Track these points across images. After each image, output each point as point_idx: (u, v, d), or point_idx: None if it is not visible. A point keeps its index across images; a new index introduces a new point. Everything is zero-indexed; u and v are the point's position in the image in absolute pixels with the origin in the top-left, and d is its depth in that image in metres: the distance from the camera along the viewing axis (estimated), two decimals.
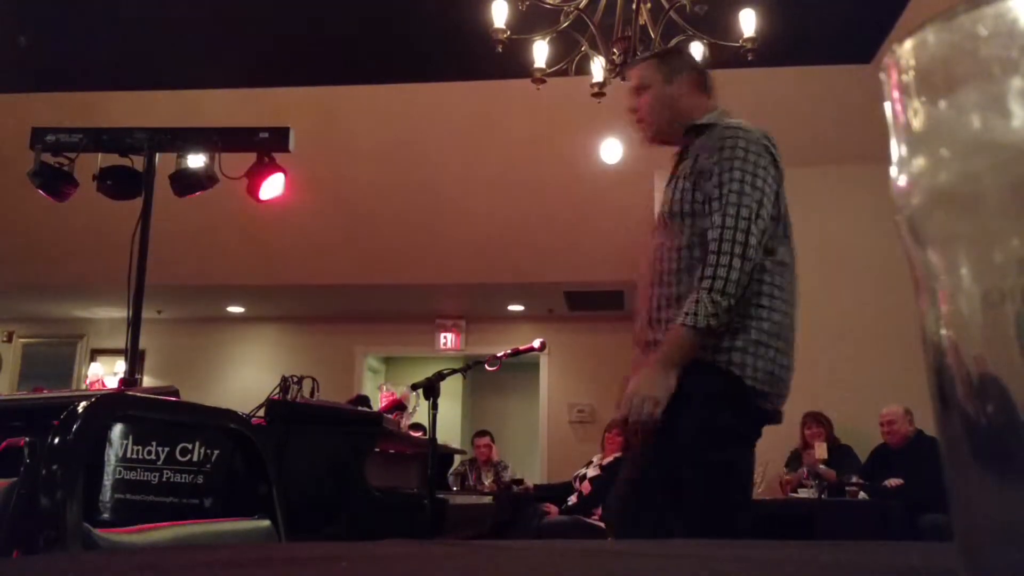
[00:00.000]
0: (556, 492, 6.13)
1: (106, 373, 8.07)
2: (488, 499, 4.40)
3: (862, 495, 4.70)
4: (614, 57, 3.42)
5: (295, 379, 2.90)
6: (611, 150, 6.49)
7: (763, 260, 1.80)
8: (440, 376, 2.94)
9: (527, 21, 3.45)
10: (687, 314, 1.71)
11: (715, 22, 3.54)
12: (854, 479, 4.83)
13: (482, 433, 6.94)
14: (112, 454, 1.32)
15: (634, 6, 3.34)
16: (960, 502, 0.22)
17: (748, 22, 3.35)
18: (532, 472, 7.87)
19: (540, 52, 3.50)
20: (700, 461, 1.73)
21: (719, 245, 1.73)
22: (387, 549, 0.50)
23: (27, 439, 0.78)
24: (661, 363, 1.72)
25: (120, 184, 3.15)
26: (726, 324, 1.73)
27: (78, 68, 6.26)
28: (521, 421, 9.13)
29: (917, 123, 0.23)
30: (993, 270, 0.21)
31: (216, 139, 3.16)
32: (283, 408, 2.81)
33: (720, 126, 1.89)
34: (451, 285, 7.39)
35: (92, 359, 8.68)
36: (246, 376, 8.20)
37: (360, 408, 3.12)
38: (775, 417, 1.83)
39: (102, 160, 3.18)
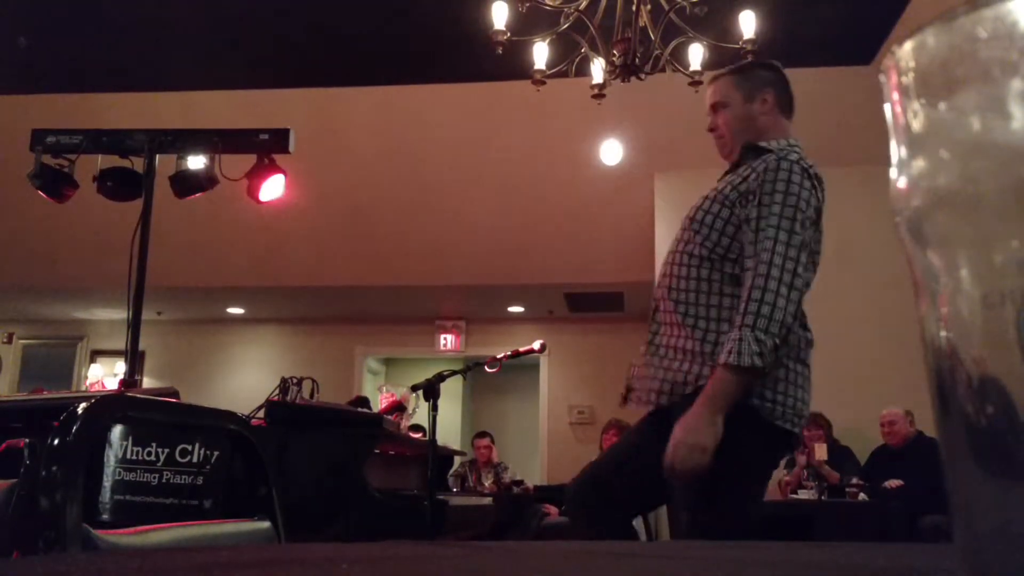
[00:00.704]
0: (556, 493, 6.13)
1: (106, 374, 8.07)
2: (488, 500, 4.40)
3: (862, 496, 4.70)
4: (614, 59, 3.42)
5: (295, 380, 2.90)
6: (611, 151, 6.50)
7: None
8: (440, 377, 2.94)
9: (527, 23, 3.45)
10: (730, 352, 1.63)
11: (715, 24, 3.54)
12: (854, 480, 4.83)
13: (482, 434, 6.94)
14: (112, 455, 1.32)
15: (634, 8, 3.35)
16: (960, 503, 0.22)
17: (748, 24, 3.35)
18: (532, 473, 7.87)
19: (540, 54, 3.50)
20: (733, 498, 1.72)
21: (765, 281, 1.67)
22: (387, 550, 0.50)
23: (27, 440, 0.78)
24: (707, 408, 1.63)
25: (120, 185, 3.15)
26: (772, 365, 1.65)
27: (78, 70, 6.27)
28: (521, 422, 9.12)
29: (917, 125, 0.23)
30: (993, 272, 0.21)
31: (216, 140, 3.16)
32: (283, 409, 2.81)
33: (776, 155, 1.83)
34: (451, 286, 7.39)
35: (92, 360, 8.68)
36: (246, 377, 8.20)
37: (360, 409, 3.12)
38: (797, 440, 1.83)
39: (102, 161, 3.18)
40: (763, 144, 1.90)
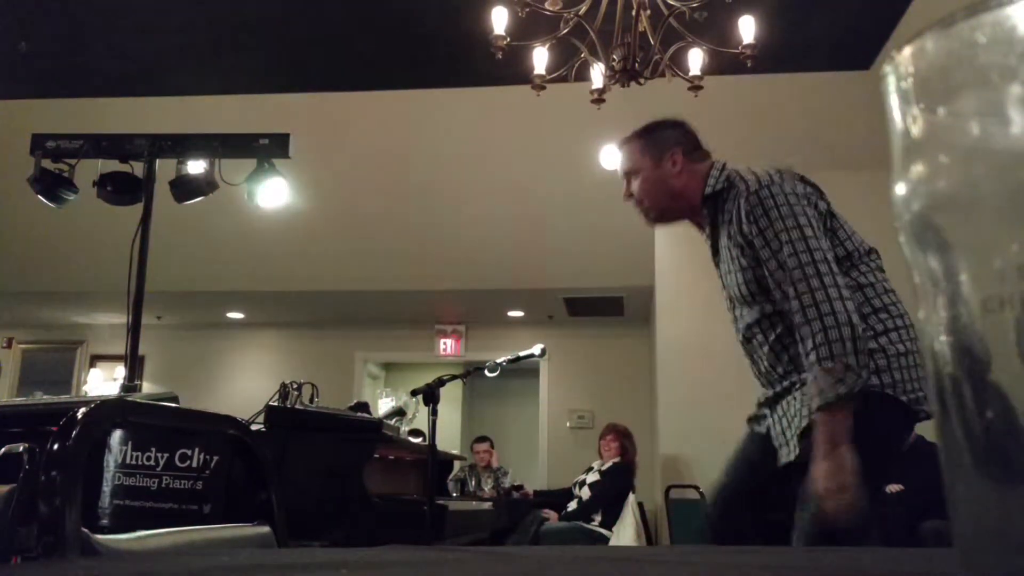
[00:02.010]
0: (556, 498, 6.13)
1: (106, 379, 8.06)
2: (488, 505, 4.39)
3: None
4: (613, 64, 3.42)
5: (295, 385, 2.90)
6: (610, 156, 6.51)
7: (854, 283, 1.76)
8: (440, 382, 2.94)
9: (527, 28, 3.46)
10: (816, 397, 1.65)
11: (714, 29, 3.55)
12: None
13: (482, 439, 6.94)
14: (111, 460, 1.32)
15: (633, 13, 3.35)
16: (960, 508, 0.22)
17: (747, 29, 3.36)
18: (532, 478, 7.86)
19: (540, 59, 3.51)
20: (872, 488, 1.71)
21: (806, 313, 1.68)
22: (386, 555, 0.50)
23: (26, 445, 0.78)
24: (827, 454, 1.62)
25: (120, 190, 3.15)
26: (860, 381, 1.64)
27: (78, 74, 6.28)
28: (521, 427, 9.11)
29: (916, 130, 0.23)
30: (992, 276, 0.21)
31: (216, 145, 3.16)
32: (282, 414, 2.81)
33: (734, 189, 1.84)
34: (451, 291, 7.39)
35: (92, 365, 8.67)
36: (246, 382, 8.19)
37: (359, 414, 3.12)
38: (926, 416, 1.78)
39: (102, 166, 3.19)
40: (710, 191, 1.91)
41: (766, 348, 1.86)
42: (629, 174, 1.99)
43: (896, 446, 1.79)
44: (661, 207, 1.97)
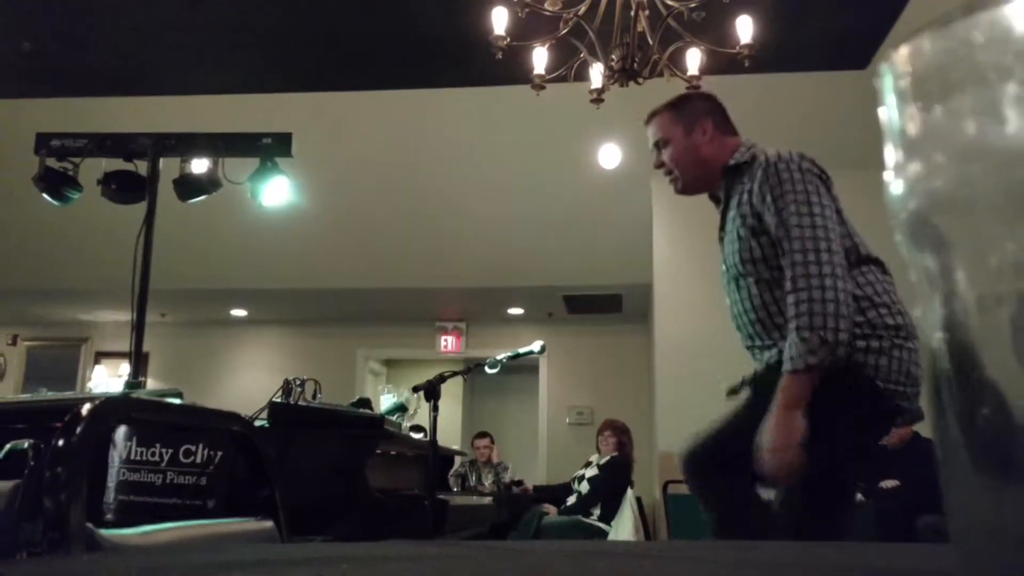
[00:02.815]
0: (555, 493, 6.14)
1: (110, 375, 8.07)
2: (488, 500, 4.39)
3: (858, 497, 4.69)
4: (612, 63, 3.42)
5: (297, 381, 2.90)
6: (609, 155, 6.50)
7: (859, 271, 1.78)
8: (441, 378, 2.94)
9: (526, 28, 3.46)
10: (786, 360, 1.69)
11: (712, 29, 3.55)
12: None
13: (482, 435, 6.96)
14: (116, 456, 1.33)
15: (632, 13, 3.35)
16: (956, 504, 0.22)
17: (745, 29, 3.35)
18: (532, 473, 7.87)
19: (539, 58, 3.50)
20: (843, 465, 1.75)
21: (796, 282, 1.70)
22: (388, 550, 0.51)
23: (31, 441, 0.79)
24: (783, 412, 1.67)
25: (124, 189, 3.15)
26: (832, 357, 1.67)
27: (83, 73, 6.28)
28: (521, 423, 9.12)
29: (912, 129, 0.23)
30: (988, 274, 0.21)
31: (219, 144, 3.16)
32: (285, 410, 2.81)
33: (755, 163, 1.87)
34: (452, 289, 7.40)
35: (96, 362, 8.68)
36: (249, 379, 8.20)
37: (361, 410, 3.12)
38: (917, 415, 1.78)
39: (106, 165, 3.19)
40: (734, 162, 1.94)
41: (754, 315, 1.87)
42: (660, 143, 2.01)
43: (863, 425, 1.77)
44: (691, 175, 2.00)
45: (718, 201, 2.05)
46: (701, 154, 1.97)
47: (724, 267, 1.98)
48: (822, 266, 1.70)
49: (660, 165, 2.03)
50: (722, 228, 1.99)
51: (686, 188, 2.04)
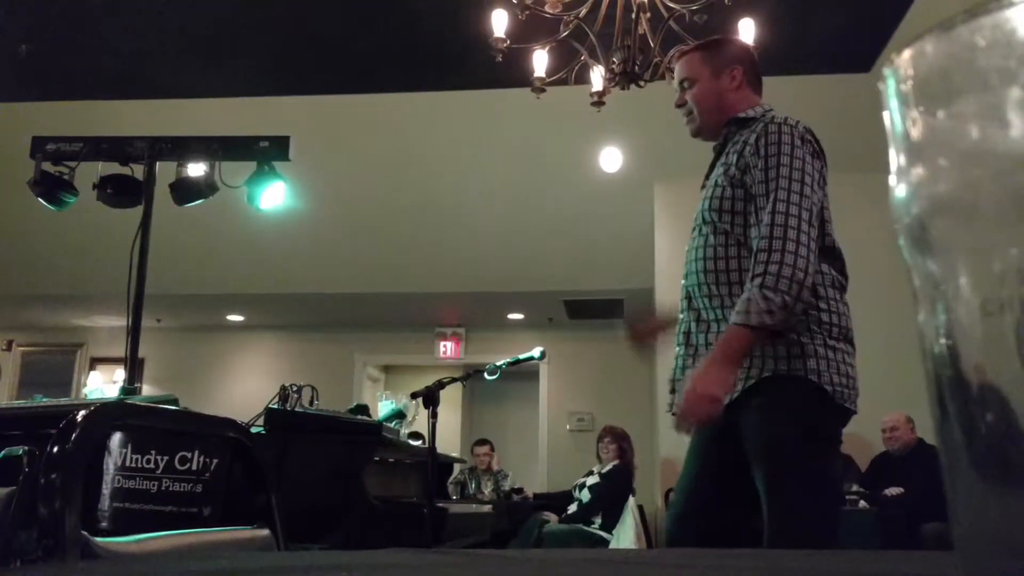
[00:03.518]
0: (556, 501, 6.12)
1: (106, 381, 8.06)
2: (488, 508, 4.39)
3: (863, 504, 4.69)
4: (613, 66, 3.42)
5: (294, 388, 2.89)
6: (610, 159, 6.51)
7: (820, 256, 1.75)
8: (440, 385, 2.94)
9: (527, 30, 3.46)
10: (739, 312, 1.65)
11: (714, 31, 3.54)
12: (854, 488, 4.81)
13: (482, 442, 6.95)
14: (111, 463, 1.32)
15: (633, 16, 3.35)
16: (960, 511, 0.22)
17: (747, 31, 3.36)
18: (532, 481, 7.86)
19: (540, 61, 3.51)
20: (802, 469, 1.70)
21: (769, 242, 1.66)
22: (386, 558, 0.50)
23: (26, 448, 0.78)
24: (718, 361, 1.65)
25: (120, 193, 3.15)
26: (785, 324, 1.65)
27: (79, 77, 6.28)
28: (521, 429, 9.11)
29: (916, 132, 0.23)
30: (992, 279, 0.21)
31: (216, 148, 3.16)
32: (282, 417, 2.81)
33: (762, 121, 1.82)
34: (451, 294, 7.39)
35: (92, 367, 8.67)
36: (245, 385, 8.19)
37: (359, 417, 3.12)
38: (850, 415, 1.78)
39: (102, 169, 3.19)
40: (743, 115, 1.89)
41: (709, 265, 1.82)
42: (685, 82, 1.96)
43: (821, 434, 1.74)
44: (710, 120, 1.94)
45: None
46: (725, 100, 1.92)
47: (699, 210, 1.92)
48: (800, 234, 1.67)
49: (682, 104, 1.97)
50: (707, 178, 1.95)
51: (700, 131, 1.98)
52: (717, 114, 1.93)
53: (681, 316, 1.92)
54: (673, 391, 1.88)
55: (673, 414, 1.77)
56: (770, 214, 1.69)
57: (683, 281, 1.92)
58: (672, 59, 2.01)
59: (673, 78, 2.06)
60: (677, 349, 1.92)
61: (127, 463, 1.32)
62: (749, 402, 1.71)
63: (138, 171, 3.06)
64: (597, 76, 3.56)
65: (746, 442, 1.71)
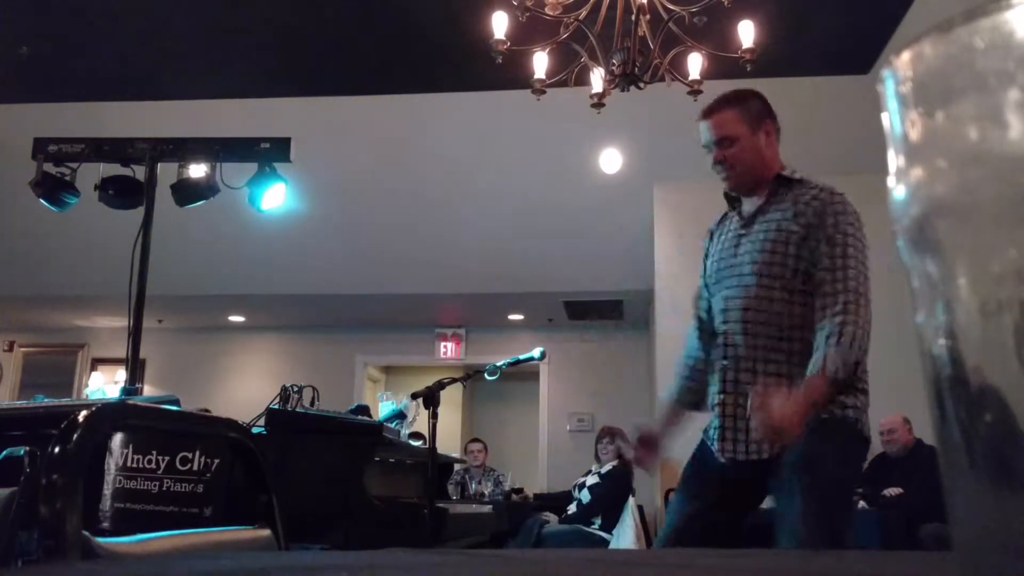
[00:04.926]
0: (556, 501, 6.13)
1: (107, 382, 8.06)
2: (488, 508, 4.38)
3: (861, 505, 4.68)
4: (613, 68, 3.42)
5: (295, 388, 2.90)
6: (611, 160, 6.51)
7: None
8: (440, 385, 2.93)
9: (527, 32, 3.47)
10: (828, 364, 1.81)
11: (714, 33, 3.55)
12: None
13: (475, 440, 7.08)
14: (112, 463, 1.32)
15: (633, 17, 3.36)
16: (959, 512, 0.22)
17: (747, 33, 3.36)
18: (532, 481, 7.86)
19: (540, 63, 3.51)
20: (847, 506, 1.95)
21: (847, 308, 1.84)
22: (387, 558, 0.50)
23: (27, 448, 0.78)
24: (805, 404, 1.77)
25: (121, 194, 3.16)
26: (846, 382, 1.84)
27: (80, 78, 6.29)
28: (521, 430, 9.11)
29: (914, 134, 0.23)
30: (990, 280, 0.21)
31: (217, 149, 3.17)
32: (283, 417, 2.81)
33: (813, 185, 1.98)
34: (451, 294, 7.39)
35: (93, 368, 8.67)
36: (247, 385, 8.19)
37: (360, 417, 3.12)
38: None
39: (104, 170, 3.19)
40: (787, 175, 2.02)
41: (770, 318, 1.94)
42: (725, 141, 2.02)
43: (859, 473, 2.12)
44: (748, 176, 2.03)
45: (732, 201, 2.11)
46: (764, 156, 2.02)
47: (727, 265, 2.02)
48: (865, 309, 1.86)
49: (722, 161, 2.03)
50: (746, 226, 2.03)
51: (740, 186, 2.06)
52: (760, 170, 2.03)
53: (724, 362, 2.03)
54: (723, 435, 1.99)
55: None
56: (843, 282, 1.87)
57: (723, 324, 2.02)
58: (703, 117, 2.05)
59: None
60: (718, 396, 2.02)
61: (128, 463, 1.32)
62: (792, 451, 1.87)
63: (139, 172, 3.06)
64: (597, 78, 3.56)
65: (786, 467, 1.86)
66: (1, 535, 0.71)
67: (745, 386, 1.93)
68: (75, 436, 0.75)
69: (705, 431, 2.06)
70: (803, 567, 0.50)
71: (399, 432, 3.26)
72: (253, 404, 3.22)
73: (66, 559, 0.69)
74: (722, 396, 1.99)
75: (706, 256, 2.17)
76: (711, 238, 2.18)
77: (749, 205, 2.06)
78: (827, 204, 1.92)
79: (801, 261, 1.92)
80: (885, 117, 0.24)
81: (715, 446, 1.99)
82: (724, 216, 2.18)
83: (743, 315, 1.96)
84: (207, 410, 3.04)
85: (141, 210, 2.89)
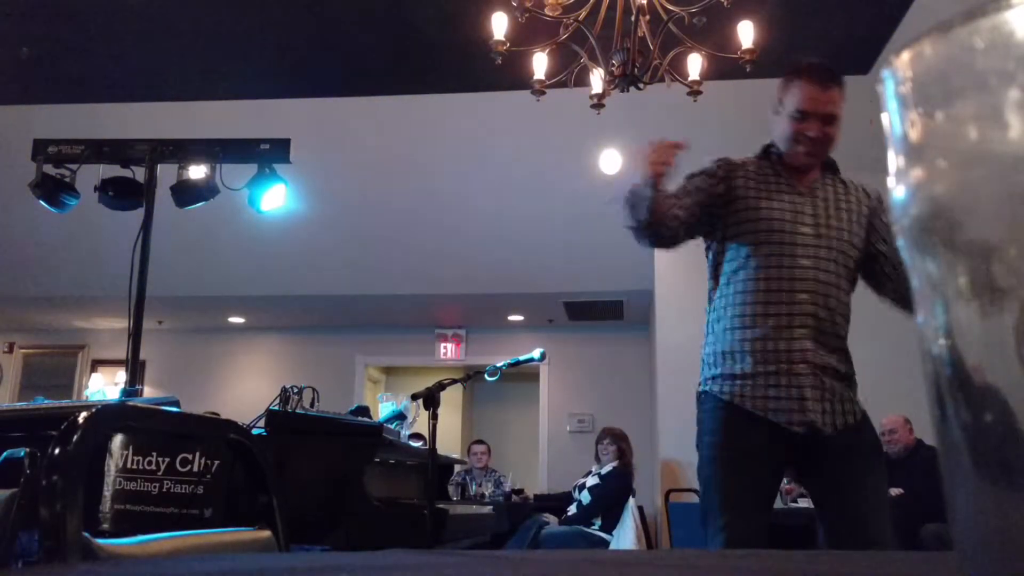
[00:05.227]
0: (556, 502, 6.12)
1: (107, 383, 8.06)
2: (488, 509, 4.38)
3: None
4: (613, 69, 3.43)
5: (295, 389, 2.89)
6: (610, 160, 6.51)
7: None
8: (440, 386, 2.93)
9: (527, 33, 3.47)
10: None
11: (714, 34, 3.56)
12: None
13: (479, 442, 7.04)
14: (112, 464, 1.32)
15: (633, 18, 3.36)
16: (959, 512, 0.22)
17: (746, 34, 3.36)
18: (532, 482, 7.85)
19: (539, 64, 3.51)
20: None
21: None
22: (387, 559, 0.50)
23: (27, 450, 0.78)
24: None
25: (121, 195, 3.16)
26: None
27: (79, 80, 6.29)
28: (521, 431, 9.11)
29: (915, 134, 0.23)
30: (991, 280, 0.21)
31: (217, 150, 3.17)
32: (283, 418, 2.81)
33: (842, 175, 2.08)
34: (451, 295, 7.40)
35: (93, 370, 8.67)
36: (247, 386, 8.19)
37: (360, 419, 3.12)
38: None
39: (104, 171, 3.19)
40: (833, 159, 2.09)
41: (841, 305, 1.98)
42: (833, 117, 2.04)
43: None
44: (826, 156, 2.08)
45: (786, 172, 2.05)
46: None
47: (823, 242, 1.96)
48: None
49: (822, 137, 2.01)
50: (800, 195, 2.00)
51: (811, 163, 2.07)
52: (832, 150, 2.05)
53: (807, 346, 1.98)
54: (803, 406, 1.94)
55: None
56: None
57: (807, 297, 1.96)
58: (830, 81, 2.08)
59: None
60: (800, 367, 1.96)
61: (128, 465, 1.32)
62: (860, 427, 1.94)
63: (139, 173, 3.06)
64: (597, 78, 3.56)
65: (868, 452, 1.94)
66: (1, 536, 0.71)
67: (827, 357, 1.93)
68: (75, 437, 0.75)
69: (753, 408, 1.95)
70: (803, 567, 0.50)
71: (399, 433, 3.26)
72: (253, 405, 3.21)
73: (66, 560, 0.69)
74: (804, 367, 1.92)
75: (728, 182, 2.03)
76: (738, 172, 2.06)
77: (798, 175, 2.05)
78: (881, 192, 1.99)
79: (874, 235, 1.97)
80: (885, 117, 0.24)
81: (796, 417, 1.90)
82: (743, 162, 2.08)
83: (828, 289, 1.96)
84: (216, 413, 3.04)
85: (141, 211, 2.89)
